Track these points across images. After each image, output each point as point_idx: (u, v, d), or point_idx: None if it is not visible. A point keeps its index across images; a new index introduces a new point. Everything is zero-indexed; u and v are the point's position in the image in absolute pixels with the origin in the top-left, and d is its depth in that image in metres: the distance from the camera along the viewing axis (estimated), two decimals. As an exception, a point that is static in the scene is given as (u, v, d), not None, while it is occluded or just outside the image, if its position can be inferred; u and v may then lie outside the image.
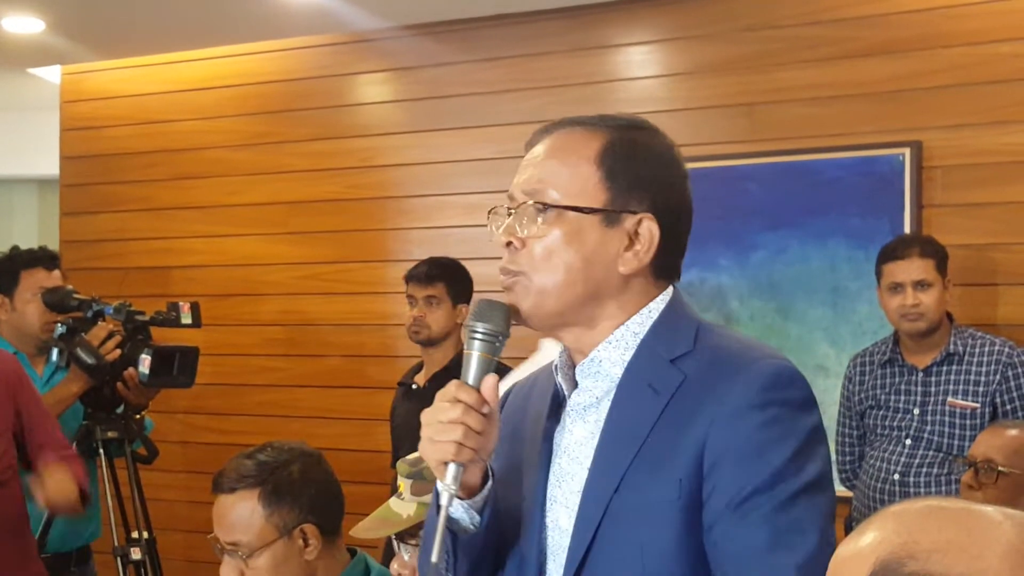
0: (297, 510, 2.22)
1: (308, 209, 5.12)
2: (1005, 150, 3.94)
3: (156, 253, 5.42)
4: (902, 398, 3.61)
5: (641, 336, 1.54)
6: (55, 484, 3.19)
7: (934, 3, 4.05)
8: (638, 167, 1.54)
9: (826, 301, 4.13)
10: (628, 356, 1.53)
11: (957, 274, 3.72)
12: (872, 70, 4.12)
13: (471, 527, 1.56)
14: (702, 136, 4.25)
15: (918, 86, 4.06)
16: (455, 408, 1.48)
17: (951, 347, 3.56)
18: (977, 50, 3.99)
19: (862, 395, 3.71)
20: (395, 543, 2.09)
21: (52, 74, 5.74)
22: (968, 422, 3.49)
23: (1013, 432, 2.78)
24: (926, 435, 3.54)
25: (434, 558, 1.46)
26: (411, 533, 2.02)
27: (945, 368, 3.57)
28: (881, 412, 3.65)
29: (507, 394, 1.74)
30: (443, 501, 1.47)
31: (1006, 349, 3.53)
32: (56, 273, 3.94)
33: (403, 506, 2.02)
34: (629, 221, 1.53)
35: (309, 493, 2.24)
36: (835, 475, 2.73)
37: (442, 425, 1.48)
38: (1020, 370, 3.49)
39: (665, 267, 1.57)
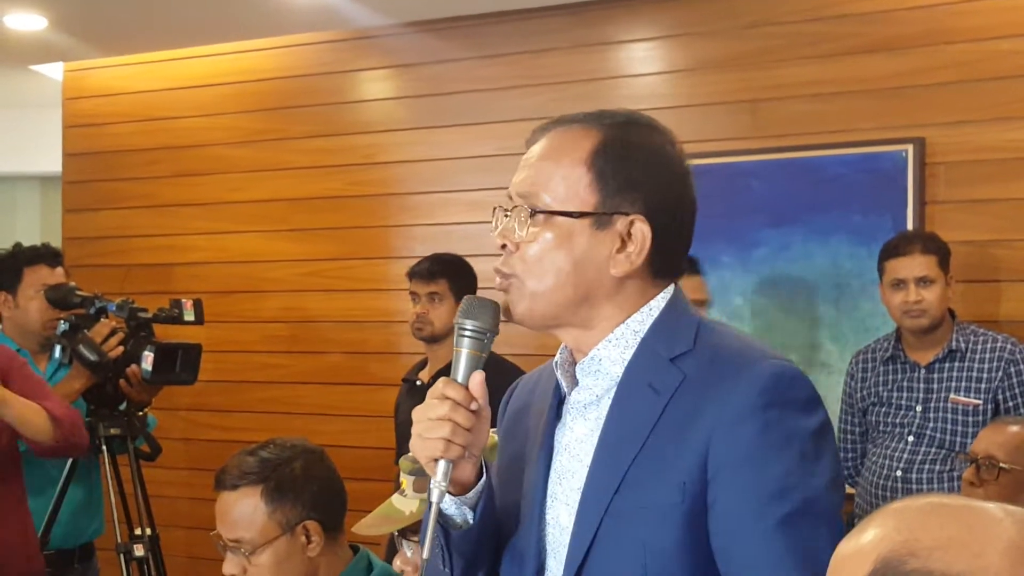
0: (299, 507, 2.22)
1: (310, 206, 5.12)
2: (1008, 146, 3.93)
3: (158, 250, 5.43)
4: (904, 395, 3.61)
5: (642, 334, 1.54)
6: (18, 401, 3.19)
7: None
8: (630, 167, 1.53)
9: (829, 298, 4.13)
10: (628, 355, 1.53)
11: (959, 271, 3.72)
12: (875, 66, 4.12)
13: (464, 523, 1.56)
14: (705, 133, 4.25)
15: (921, 83, 4.05)
16: (443, 405, 1.49)
17: (953, 344, 3.56)
18: (980, 47, 3.98)
19: (864, 392, 3.71)
20: (397, 539, 2.09)
21: (54, 71, 5.74)
22: (970, 419, 3.49)
23: (1014, 428, 2.78)
24: (928, 432, 3.54)
25: (425, 554, 1.47)
26: (413, 530, 2.02)
27: (947, 365, 3.57)
28: (883, 409, 3.65)
29: (512, 389, 1.74)
30: (433, 498, 1.48)
31: (1008, 346, 3.53)
32: (59, 270, 3.94)
33: (405, 502, 2.02)
34: (620, 223, 1.52)
35: (311, 490, 2.25)
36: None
37: (431, 422, 1.49)
38: (1022, 367, 3.49)
39: (663, 266, 1.56)
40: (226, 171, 5.31)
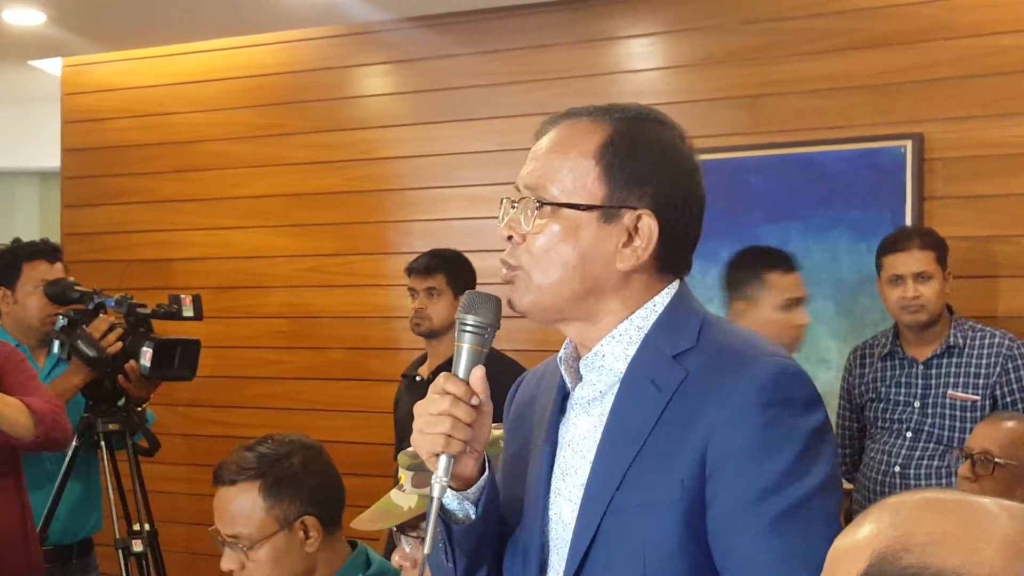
0: (298, 502, 2.22)
1: (310, 201, 5.12)
2: (1007, 142, 3.93)
3: (158, 245, 5.43)
4: (902, 391, 3.61)
5: (645, 331, 1.53)
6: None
7: (936, -5, 4.05)
8: (638, 162, 1.53)
9: (827, 294, 4.13)
10: (632, 351, 1.53)
11: (957, 266, 3.72)
12: (873, 62, 4.12)
13: (466, 519, 1.56)
14: (704, 128, 4.24)
15: (920, 78, 4.05)
16: (444, 400, 1.49)
17: (951, 339, 3.56)
18: (979, 42, 3.98)
19: (862, 388, 3.72)
20: (396, 535, 2.09)
21: (53, 66, 5.74)
22: (968, 415, 3.49)
23: (1010, 424, 2.78)
24: (926, 428, 3.54)
25: (426, 550, 1.47)
26: (412, 525, 2.02)
27: (945, 361, 3.57)
28: (881, 405, 3.65)
29: (518, 382, 1.75)
30: (435, 493, 1.48)
31: (1006, 341, 3.53)
32: (58, 266, 3.94)
33: (404, 498, 2.02)
34: (627, 217, 1.51)
35: (310, 485, 2.25)
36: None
37: (431, 417, 1.49)
38: (1020, 362, 3.49)
39: (669, 261, 1.55)
40: (225, 167, 5.31)
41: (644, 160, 1.53)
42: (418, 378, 4.04)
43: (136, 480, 3.98)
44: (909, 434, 3.57)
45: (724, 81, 4.36)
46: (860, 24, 4.15)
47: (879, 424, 3.65)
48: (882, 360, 3.68)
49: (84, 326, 3.80)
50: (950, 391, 3.53)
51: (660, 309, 1.54)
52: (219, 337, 4.94)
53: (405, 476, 2.03)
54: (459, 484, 1.54)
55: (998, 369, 3.49)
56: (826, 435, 1.47)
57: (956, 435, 3.49)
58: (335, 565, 2.27)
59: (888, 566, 0.89)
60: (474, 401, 1.50)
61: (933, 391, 3.56)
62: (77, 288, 3.89)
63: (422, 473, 1.99)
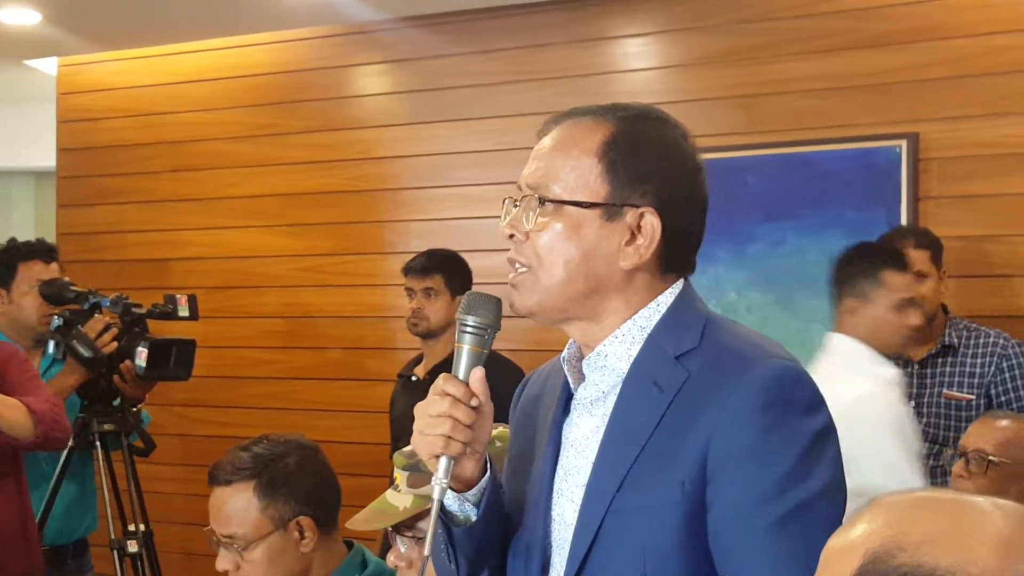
0: (293, 502, 2.22)
1: (306, 201, 5.12)
2: (1002, 142, 3.94)
3: (154, 245, 5.42)
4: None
5: (648, 331, 1.53)
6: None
7: (931, -5, 4.06)
8: (641, 160, 1.52)
9: (823, 293, 4.10)
10: (634, 351, 1.52)
11: (953, 266, 3.73)
12: (869, 62, 4.12)
13: (467, 520, 1.55)
14: (700, 128, 4.19)
15: (915, 78, 4.06)
16: (443, 401, 1.48)
17: (946, 339, 3.56)
18: (974, 42, 3.98)
19: (858, 387, 3.71)
20: (391, 535, 2.09)
21: (49, 66, 5.73)
22: (964, 414, 3.49)
23: (1004, 423, 2.79)
24: (922, 427, 3.54)
25: (425, 551, 1.46)
26: (407, 525, 2.02)
27: (940, 360, 3.57)
28: (876, 404, 3.65)
29: (525, 381, 1.74)
30: (435, 495, 1.47)
31: (1001, 341, 3.53)
32: (54, 265, 3.94)
33: (399, 498, 2.02)
34: (630, 215, 1.51)
35: (305, 485, 2.25)
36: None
37: (431, 419, 1.48)
38: (1015, 361, 3.49)
39: (673, 261, 1.55)
40: (222, 166, 5.30)
41: (647, 158, 1.53)
42: (414, 378, 4.05)
43: (131, 480, 3.98)
44: (905, 434, 3.57)
45: (720, 81, 4.37)
46: (855, 24, 4.15)
47: (874, 424, 3.65)
48: (878, 360, 3.67)
49: (79, 326, 3.79)
50: (945, 390, 3.53)
51: (663, 309, 1.54)
52: (215, 337, 4.94)
53: (400, 476, 2.02)
54: (459, 485, 1.54)
55: (993, 368, 3.49)
56: (829, 437, 1.45)
57: (951, 434, 3.49)
58: (331, 565, 2.26)
59: (882, 565, 0.89)
60: (474, 403, 1.49)
61: (928, 390, 3.56)
62: (72, 288, 3.88)
63: (417, 473, 1.98)
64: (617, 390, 1.52)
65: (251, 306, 5.21)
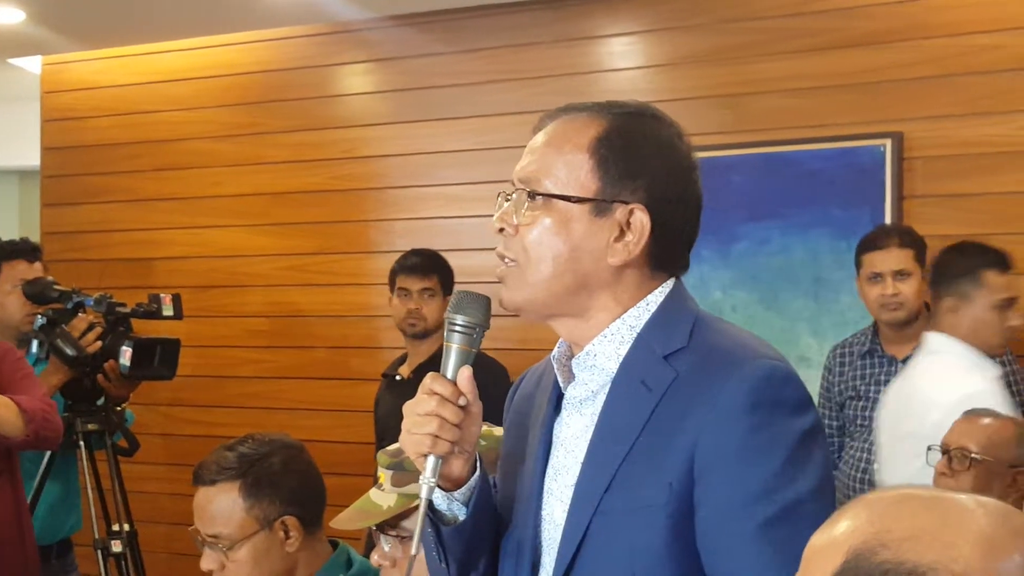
0: (278, 502, 2.21)
1: (291, 200, 5.11)
2: (985, 141, 3.95)
3: (138, 244, 5.40)
4: (882, 389, 3.61)
5: (637, 330, 1.52)
6: None
7: (915, -6, 4.07)
8: (633, 157, 1.52)
9: (808, 292, 4.14)
10: (623, 350, 1.51)
11: (936, 265, 3.74)
12: (853, 62, 4.13)
13: (455, 519, 1.55)
14: (684, 127, 4.24)
15: (899, 77, 4.07)
16: (431, 400, 1.48)
17: (930, 337, 3.57)
18: (957, 41, 4.00)
19: (842, 386, 3.72)
20: (375, 534, 2.09)
21: (33, 64, 5.71)
22: (947, 412, 3.49)
23: (987, 420, 2.80)
24: (906, 425, 3.55)
25: (413, 551, 1.46)
26: (391, 524, 2.01)
27: (924, 358, 3.57)
28: (861, 403, 3.66)
29: (519, 381, 1.74)
30: (423, 494, 1.47)
31: (984, 339, 3.54)
32: (37, 265, 3.93)
33: (383, 497, 2.01)
34: (620, 211, 1.50)
35: (290, 485, 2.24)
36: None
37: (419, 418, 1.48)
38: (997, 360, 3.50)
39: (664, 259, 1.54)
40: (206, 165, 5.29)
41: (638, 155, 1.52)
42: (399, 377, 4.04)
43: (115, 480, 3.97)
44: (889, 432, 3.58)
45: (704, 80, 4.37)
46: (840, 24, 4.16)
47: (859, 422, 3.66)
48: (862, 358, 3.69)
49: (63, 325, 3.78)
50: (929, 389, 3.54)
51: (653, 308, 1.53)
52: (199, 336, 4.93)
53: (384, 475, 2.02)
54: (448, 484, 1.53)
55: (976, 367, 3.50)
56: (817, 438, 1.45)
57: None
58: (316, 565, 2.26)
59: (864, 562, 0.90)
60: (461, 401, 1.49)
61: (912, 389, 3.56)
62: (56, 287, 3.87)
63: (401, 472, 1.98)
64: (606, 390, 1.52)
65: (235, 305, 5.20)
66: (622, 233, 1.51)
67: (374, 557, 2.05)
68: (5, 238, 4.01)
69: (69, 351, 3.74)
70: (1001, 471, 2.72)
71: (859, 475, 3.60)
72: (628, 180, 1.51)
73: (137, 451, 4.04)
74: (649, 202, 1.51)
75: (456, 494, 1.54)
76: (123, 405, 4.03)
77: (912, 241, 3.60)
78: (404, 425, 1.50)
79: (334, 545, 2.32)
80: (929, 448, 3.30)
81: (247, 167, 5.20)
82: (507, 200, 1.55)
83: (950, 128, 3.99)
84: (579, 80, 4.56)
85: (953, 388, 3.00)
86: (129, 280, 5.18)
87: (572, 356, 1.57)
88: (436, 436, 1.47)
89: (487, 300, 1.53)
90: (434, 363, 1.55)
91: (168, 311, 3.94)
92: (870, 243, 3.63)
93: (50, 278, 3.92)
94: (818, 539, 0.96)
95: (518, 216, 1.52)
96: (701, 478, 1.42)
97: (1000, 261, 3.25)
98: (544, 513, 1.55)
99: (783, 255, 4.18)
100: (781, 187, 4.17)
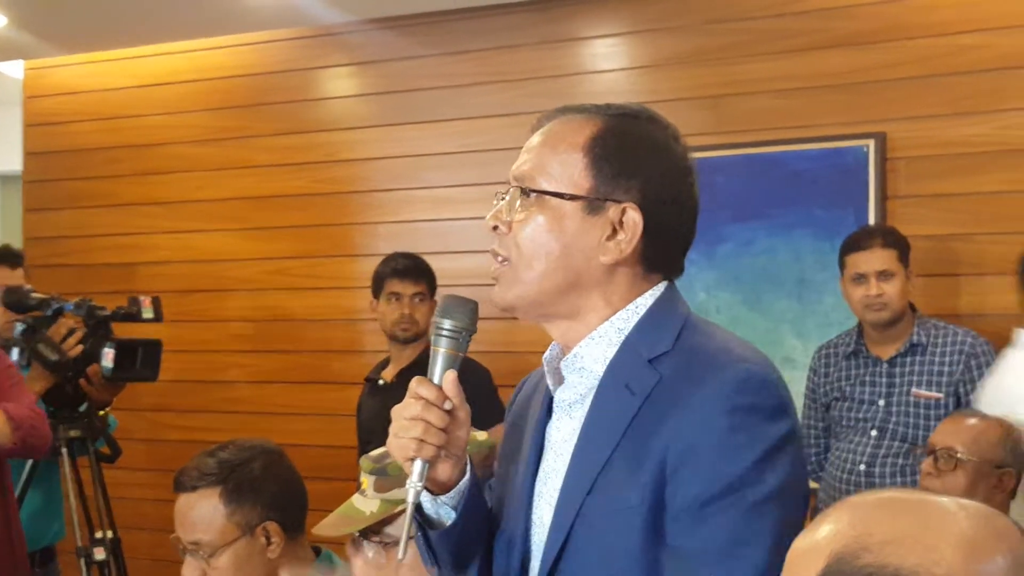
0: (259, 508, 2.20)
1: (274, 204, 5.09)
2: (968, 141, 3.96)
3: (121, 249, 5.38)
4: (867, 389, 3.62)
5: (626, 333, 1.52)
6: None
7: (898, -5, 4.07)
8: (627, 156, 1.52)
9: (792, 293, 4.14)
10: (611, 353, 1.52)
11: (920, 265, 3.74)
12: (836, 62, 4.14)
13: (441, 524, 1.55)
14: (671, 129, 4.25)
15: (882, 78, 4.08)
16: (416, 405, 1.48)
17: (915, 338, 3.58)
18: (941, 42, 4.01)
19: (827, 387, 3.72)
20: (358, 540, 2.07)
21: (15, 69, 5.69)
22: (933, 412, 3.50)
23: (973, 421, 2.80)
24: (891, 426, 3.56)
25: (399, 555, 1.46)
26: (374, 530, 2.00)
27: (909, 359, 3.58)
28: (846, 404, 3.66)
29: (521, 383, 1.74)
30: (409, 498, 1.47)
31: (969, 339, 3.55)
32: (19, 271, 3.91)
33: (366, 503, 2.00)
34: (613, 210, 1.51)
35: (271, 491, 2.23)
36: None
37: (405, 422, 1.48)
38: (983, 360, 3.51)
39: (657, 260, 1.54)
40: (189, 170, 5.27)
41: (633, 156, 1.53)
42: (381, 382, 4.03)
43: (98, 487, 3.94)
44: (874, 432, 3.58)
45: (688, 81, 4.37)
46: (823, 24, 4.17)
47: (844, 423, 3.66)
48: (847, 359, 3.69)
49: (44, 331, 3.76)
50: (914, 389, 3.54)
51: (642, 311, 1.53)
52: (182, 341, 4.90)
53: (367, 481, 2.01)
54: (438, 488, 1.53)
55: (961, 367, 3.51)
56: (790, 443, 1.44)
57: (920, 433, 3.50)
58: (298, 571, 2.25)
59: (846, 566, 0.89)
60: (447, 405, 1.49)
61: (897, 389, 3.57)
62: (34, 295, 3.85)
63: (384, 478, 1.97)
64: (593, 392, 1.52)
65: (219, 310, 5.19)
66: (614, 232, 1.51)
67: (357, 563, 2.03)
68: (-13, 244, 3.99)
69: (51, 356, 3.72)
70: (987, 471, 2.73)
71: (845, 476, 3.60)
72: (622, 179, 1.52)
73: (120, 457, 4.02)
74: (642, 202, 1.51)
75: (444, 498, 1.54)
76: (106, 410, 4.00)
77: (895, 241, 3.60)
78: (392, 429, 1.50)
79: (317, 552, 2.31)
80: (916, 448, 3.31)
81: (230, 171, 5.18)
82: (501, 199, 1.56)
83: (933, 128, 4.00)
84: (563, 82, 4.56)
85: None
86: (112, 285, 5.16)
87: (563, 358, 1.57)
88: (422, 440, 1.47)
89: (474, 304, 1.53)
90: (418, 367, 1.54)
91: (148, 314, 3.92)
92: (853, 244, 3.63)
93: (28, 286, 3.90)
94: (800, 543, 0.96)
95: (512, 213, 1.53)
96: (672, 477, 1.42)
97: None
98: (534, 516, 1.55)
99: (767, 256, 4.18)
100: (765, 188, 4.18)
